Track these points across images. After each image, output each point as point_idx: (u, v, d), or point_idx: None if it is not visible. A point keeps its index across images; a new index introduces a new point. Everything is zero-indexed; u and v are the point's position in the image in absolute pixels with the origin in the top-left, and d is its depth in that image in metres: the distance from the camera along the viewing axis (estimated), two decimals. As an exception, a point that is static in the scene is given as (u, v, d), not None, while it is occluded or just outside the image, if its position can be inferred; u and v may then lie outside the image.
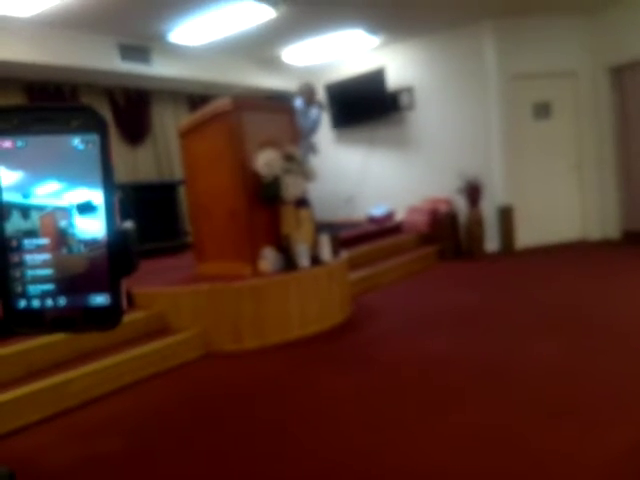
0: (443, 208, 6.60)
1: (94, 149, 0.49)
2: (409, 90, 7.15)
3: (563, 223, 6.74)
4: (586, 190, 6.69)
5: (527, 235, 6.59)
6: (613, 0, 5.95)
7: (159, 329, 3.69)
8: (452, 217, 6.50)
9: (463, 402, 2.52)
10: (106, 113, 6.49)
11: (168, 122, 7.17)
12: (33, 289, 0.49)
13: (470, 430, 2.22)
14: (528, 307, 4.10)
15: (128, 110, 6.69)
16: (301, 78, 7.39)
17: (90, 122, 0.50)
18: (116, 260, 0.50)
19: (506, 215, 6.43)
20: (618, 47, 6.19)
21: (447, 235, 6.45)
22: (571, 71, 6.53)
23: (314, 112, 6.12)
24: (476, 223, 6.35)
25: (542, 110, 6.59)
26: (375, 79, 7.16)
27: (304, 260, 3.95)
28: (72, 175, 0.49)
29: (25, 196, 0.48)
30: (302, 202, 4.09)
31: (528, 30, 6.35)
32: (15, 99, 5.70)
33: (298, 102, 5.94)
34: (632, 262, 5.45)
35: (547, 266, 5.63)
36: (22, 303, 0.50)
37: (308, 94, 6.04)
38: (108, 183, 0.50)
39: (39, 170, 0.49)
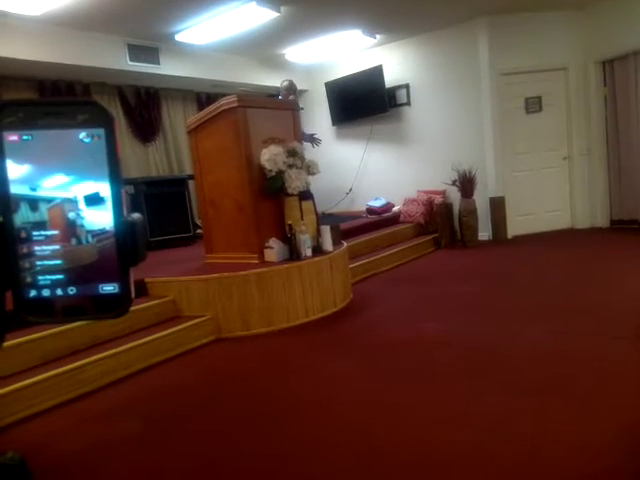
0: (438, 199, 6.59)
1: (101, 142, 0.48)
2: (406, 87, 7.10)
3: (553, 213, 6.71)
4: (576, 181, 6.65)
5: (518, 224, 6.58)
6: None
7: (171, 317, 3.69)
8: (447, 208, 6.49)
9: (457, 383, 2.51)
10: (118, 111, 6.45)
11: (177, 119, 7.14)
12: (43, 279, 0.48)
13: (463, 410, 2.22)
14: (520, 291, 4.09)
15: (139, 108, 6.65)
16: (304, 76, 7.37)
17: (96, 116, 0.48)
18: (124, 250, 0.49)
19: (498, 205, 6.41)
20: (608, 40, 6.12)
21: (442, 225, 6.44)
22: (562, 65, 6.46)
23: None
24: (470, 213, 6.32)
25: (534, 104, 6.53)
26: (373, 76, 7.10)
27: (307, 250, 3.95)
28: (79, 168, 0.48)
29: (33, 188, 0.47)
30: (305, 195, 4.07)
31: (520, 26, 6.28)
32: (27, 97, 5.66)
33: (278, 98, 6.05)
34: (618, 246, 5.43)
35: (537, 252, 5.61)
36: (32, 293, 0.48)
37: (285, 91, 6.10)
38: (115, 175, 0.49)
39: (46, 163, 0.47)
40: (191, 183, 5.86)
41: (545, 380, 2.42)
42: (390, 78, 7.07)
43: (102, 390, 2.88)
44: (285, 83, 6.15)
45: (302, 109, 6.72)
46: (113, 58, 5.57)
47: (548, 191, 6.65)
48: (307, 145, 6.32)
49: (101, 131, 0.48)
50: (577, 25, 6.36)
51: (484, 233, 6.51)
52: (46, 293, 0.49)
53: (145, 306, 3.54)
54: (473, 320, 3.49)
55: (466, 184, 6.28)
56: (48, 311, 0.49)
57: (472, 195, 6.31)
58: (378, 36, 6.69)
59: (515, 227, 6.55)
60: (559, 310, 3.51)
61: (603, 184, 6.54)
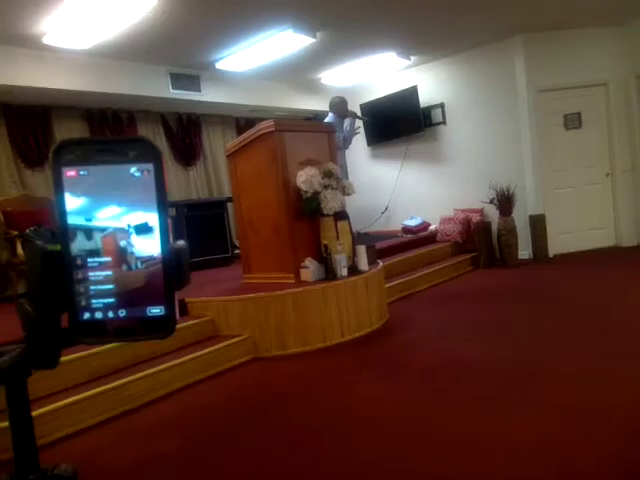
0: (476, 218, 6.49)
1: (150, 176, 0.52)
2: (441, 106, 7.09)
3: (596, 231, 6.51)
4: (620, 198, 6.44)
5: (560, 242, 6.40)
6: (641, 10, 5.77)
7: (210, 336, 3.76)
8: (485, 226, 6.38)
9: (495, 407, 2.45)
10: (161, 138, 6.69)
11: (217, 143, 7.34)
12: (96, 302, 0.52)
13: (503, 435, 2.16)
14: (561, 314, 3.96)
15: (181, 134, 6.88)
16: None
17: (146, 152, 0.52)
18: (170, 275, 0.52)
19: (538, 223, 6.26)
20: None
21: (480, 244, 6.33)
22: (602, 81, 6.33)
23: (346, 123, 6.09)
24: (508, 232, 6.20)
25: (573, 120, 6.41)
26: (408, 97, 7.14)
27: (343, 269, 3.96)
28: (130, 200, 0.52)
29: (88, 219, 0.51)
30: (340, 215, 4.10)
31: (557, 43, 6.21)
32: (76, 126, 5.94)
33: (330, 117, 5.92)
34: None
35: (580, 272, 5.43)
36: (86, 315, 0.52)
37: (339, 108, 5.96)
38: (162, 206, 0.52)
39: (100, 195, 0.51)
40: (230, 205, 5.99)
41: (589, 403, 2.34)
42: (425, 97, 7.08)
43: (144, 408, 2.94)
44: (336, 100, 5.98)
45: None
46: (156, 87, 5.80)
47: (590, 208, 6.47)
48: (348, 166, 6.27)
49: (150, 166, 0.52)
50: (617, 40, 6.24)
51: (524, 252, 6.36)
52: (99, 315, 0.52)
53: (185, 325, 3.62)
54: (510, 343, 3.40)
55: (504, 202, 6.18)
56: (100, 332, 0.52)
57: (511, 213, 6.20)
58: (413, 57, 6.73)
59: (556, 245, 6.38)
60: (603, 332, 3.38)
61: (649, 200, 6.31)
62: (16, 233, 4.85)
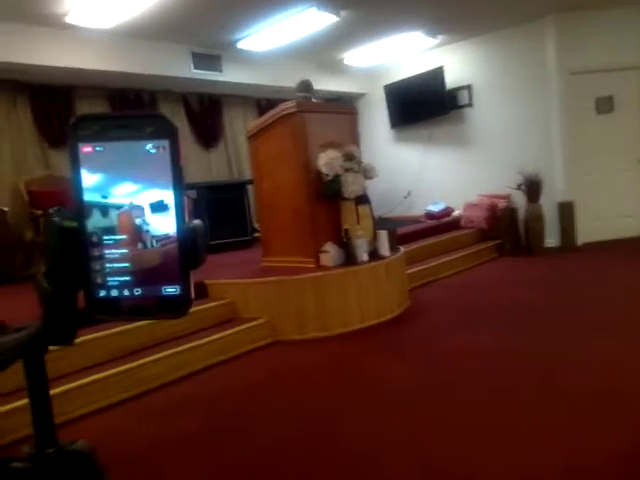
0: (502, 204, 6.38)
1: (165, 153, 0.51)
2: (468, 88, 6.95)
3: (626, 219, 6.33)
4: (651, 185, 6.26)
5: (588, 231, 6.26)
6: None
7: (229, 318, 3.79)
8: (511, 213, 6.27)
9: (517, 397, 2.43)
10: (182, 119, 6.70)
11: (238, 125, 7.33)
12: (112, 280, 0.52)
13: (523, 424, 2.15)
14: (586, 303, 3.89)
15: (202, 115, 6.89)
16: (363, 80, 7.37)
17: (162, 128, 0.51)
18: (186, 254, 0.52)
19: (567, 210, 6.13)
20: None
21: (506, 231, 6.23)
22: (636, 64, 6.11)
23: None
24: (536, 219, 6.09)
25: (605, 104, 6.21)
26: (434, 78, 7.00)
27: (363, 255, 3.94)
28: (146, 177, 0.51)
29: (104, 196, 0.51)
30: (362, 199, 4.07)
31: (590, 24, 6.00)
32: (98, 106, 5.99)
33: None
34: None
35: (608, 261, 5.32)
36: (102, 293, 0.52)
37: (297, 92, 5.97)
38: (178, 184, 0.52)
39: (116, 172, 0.51)
40: (250, 188, 6.00)
41: (615, 395, 2.30)
42: (451, 79, 6.94)
43: (161, 388, 2.99)
44: (298, 82, 5.96)
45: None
46: (178, 67, 5.81)
47: (621, 196, 6.29)
48: (365, 148, 6.23)
49: (166, 142, 0.51)
50: (654, 20, 6.01)
51: (551, 240, 6.25)
52: (114, 293, 0.52)
53: (204, 307, 3.66)
54: (533, 332, 3.36)
55: (532, 188, 6.06)
56: (116, 310, 0.53)
57: (539, 199, 6.08)
58: (440, 37, 6.59)
59: (585, 233, 6.24)
60: (629, 323, 3.32)
61: (684, 188, 6.12)
62: (40, 213, 4.94)
